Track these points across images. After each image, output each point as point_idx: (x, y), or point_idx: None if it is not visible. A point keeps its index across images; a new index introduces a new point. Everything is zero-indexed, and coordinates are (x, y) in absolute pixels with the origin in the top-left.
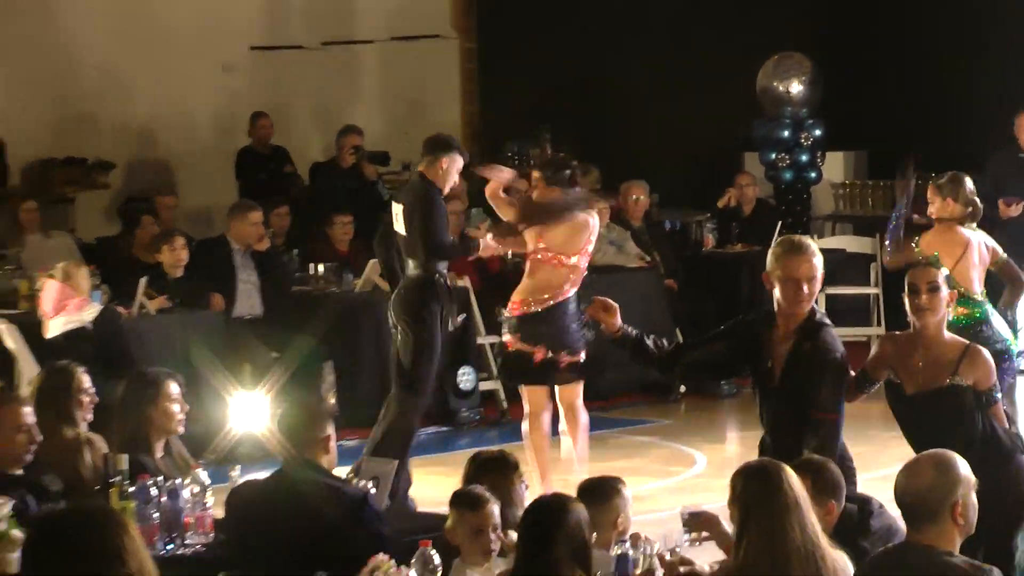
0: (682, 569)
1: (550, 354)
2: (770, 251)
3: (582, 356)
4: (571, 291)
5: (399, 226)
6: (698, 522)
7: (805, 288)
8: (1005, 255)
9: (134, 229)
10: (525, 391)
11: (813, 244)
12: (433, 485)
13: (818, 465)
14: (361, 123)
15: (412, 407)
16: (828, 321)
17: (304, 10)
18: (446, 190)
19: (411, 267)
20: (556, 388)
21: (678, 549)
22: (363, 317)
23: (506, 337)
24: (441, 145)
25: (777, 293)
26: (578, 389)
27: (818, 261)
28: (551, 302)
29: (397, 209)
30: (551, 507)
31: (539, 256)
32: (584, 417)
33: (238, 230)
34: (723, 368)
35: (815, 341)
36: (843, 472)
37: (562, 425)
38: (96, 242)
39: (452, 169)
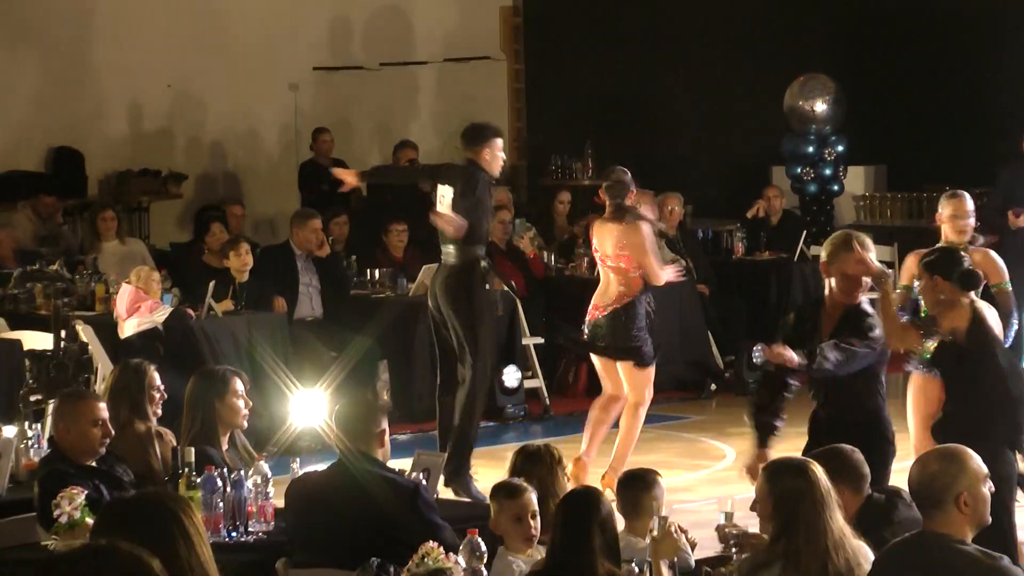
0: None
1: None
2: (827, 242)
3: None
4: None
5: (443, 208)
6: (741, 541)
7: (857, 282)
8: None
9: (205, 236)
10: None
11: (868, 240)
12: (481, 477)
13: (835, 453)
14: (416, 139)
15: (481, 384)
16: (872, 312)
17: (364, 33)
18: (496, 174)
19: (452, 253)
20: None
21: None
22: (416, 319)
23: None
24: (480, 134)
25: (832, 283)
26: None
27: (872, 256)
28: None
29: (444, 191)
30: (586, 498)
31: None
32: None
33: (299, 236)
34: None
35: (858, 323)
36: (882, 453)
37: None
38: (170, 248)
39: (496, 154)
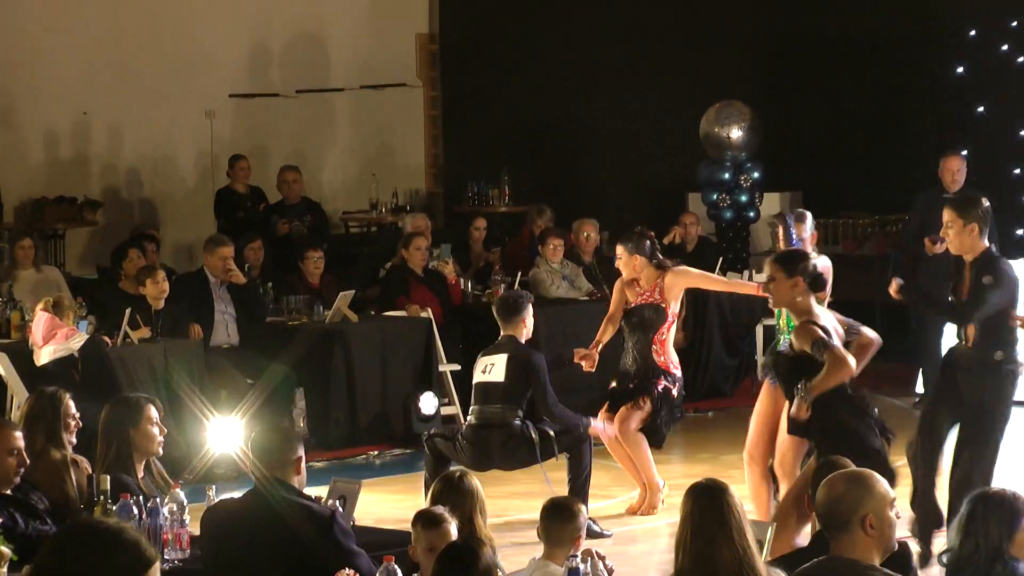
0: None
1: None
2: None
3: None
4: None
5: None
6: None
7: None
8: None
9: (123, 262)
10: None
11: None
12: (397, 504)
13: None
14: (333, 165)
15: None
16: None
17: (280, 60)
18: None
19: None
20: None
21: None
22: (333, 346)
23: None
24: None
25: None
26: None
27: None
28: None
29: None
30: (462, 551)
31: None
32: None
33: (210, 263)
34: None
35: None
36: None
37: None
38: (88, 275)
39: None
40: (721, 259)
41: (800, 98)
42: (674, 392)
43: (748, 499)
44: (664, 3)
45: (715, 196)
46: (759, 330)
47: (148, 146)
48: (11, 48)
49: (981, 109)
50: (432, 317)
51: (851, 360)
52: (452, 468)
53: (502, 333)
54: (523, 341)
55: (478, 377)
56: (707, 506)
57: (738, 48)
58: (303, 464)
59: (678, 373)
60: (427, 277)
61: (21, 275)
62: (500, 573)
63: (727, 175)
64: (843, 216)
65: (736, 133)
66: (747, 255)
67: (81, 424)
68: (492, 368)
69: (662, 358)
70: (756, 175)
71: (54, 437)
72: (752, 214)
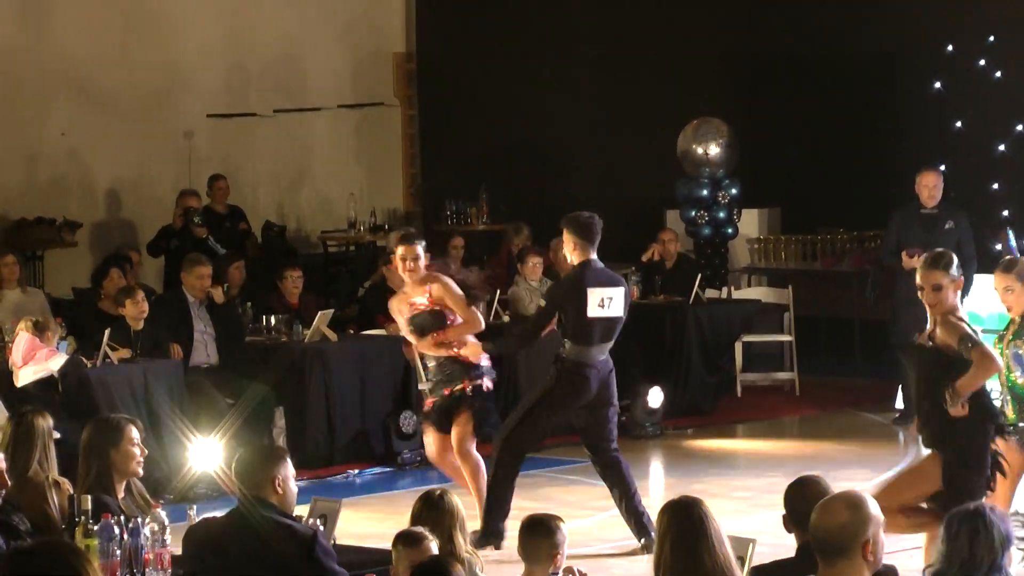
0: None
1: None
2: None
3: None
4: None
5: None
6: None
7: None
8: None
9: (103, 281)
10: None
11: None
12: (378, 522)
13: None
14: (311, 184)
15: None
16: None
17: (258, 81)
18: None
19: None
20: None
21: None
22: (312, 365)
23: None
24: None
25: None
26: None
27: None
28: None
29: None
30: (434, 569)
31: None
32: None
33: (187, 282)
34: None
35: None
36: None
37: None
38: (67, 296)
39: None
40: (700, 276)
41: (778, 115)
42: (486, 384)
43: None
44: (642, 21)
45: (693, 213)
46: (738, 347)
47: (126, 167)
48: None
49: (959, 124)
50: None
51: (998, 358)
52: (432, 487)
53: (591, 256)
54: None
55: (595, 312)
56: (684, 518)
57: (715, 65)
58: (288, 483)
59: (485, 361)
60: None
61: (6, 295)
62: None
63: (705, 192)
64: (821, 232)
65: (714, 150)
66: (725, 271)
67: (63, 445)
68: (611, 303)
69: (462, 351)
70: (734, 192)
71: (34, 458)
72: (730, 230)
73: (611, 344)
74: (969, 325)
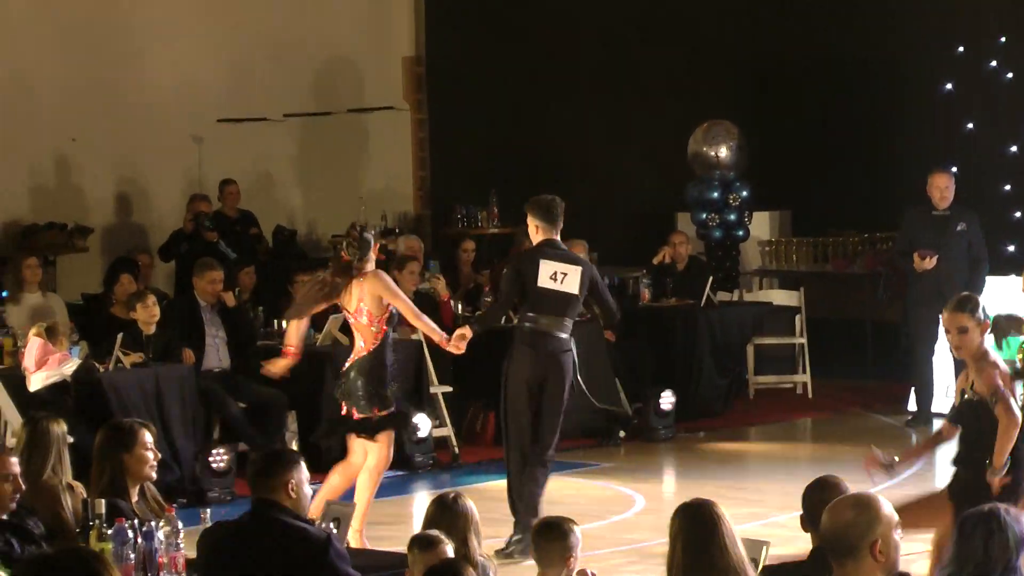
0: None
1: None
2: None
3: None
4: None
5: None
6: None
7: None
8: None
9: (114, 286)
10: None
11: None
12: (391, 526)
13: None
14: (321, 188)
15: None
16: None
17: (267, 85)
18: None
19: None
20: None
21: None
22: (324, 369)
23: None
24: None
25: None
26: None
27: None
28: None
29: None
30: (444, 572)
31: None
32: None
33: (199, 287)
34: None
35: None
36: None
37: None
38: (82, 300)
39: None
40: (711, 278)
41: (788, 117)
42: None
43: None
44: (651, 24)
45: (704, 215)
46: (749, 350)
47: (137, 171)
48: (3, 74)
49: (970, 126)
50: (423, 339)
51: (1018, 415)
52: (446, 490)
53: (554, 237)
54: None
55: (545, 284)
56: (697, 520)
57: (725, 68)
58: (301, 487)
59: None
60: (418, 299)
61: (25, 297)
62: None
63: (716, 194)
64: (832, 235)
65: (724, 152)
66: (737, 274)
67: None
68: (564, 278)
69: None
70: (745, 194)
71: (48, 463)
72: (741, 233)
73: (568, 321)
74: (1000, 369)
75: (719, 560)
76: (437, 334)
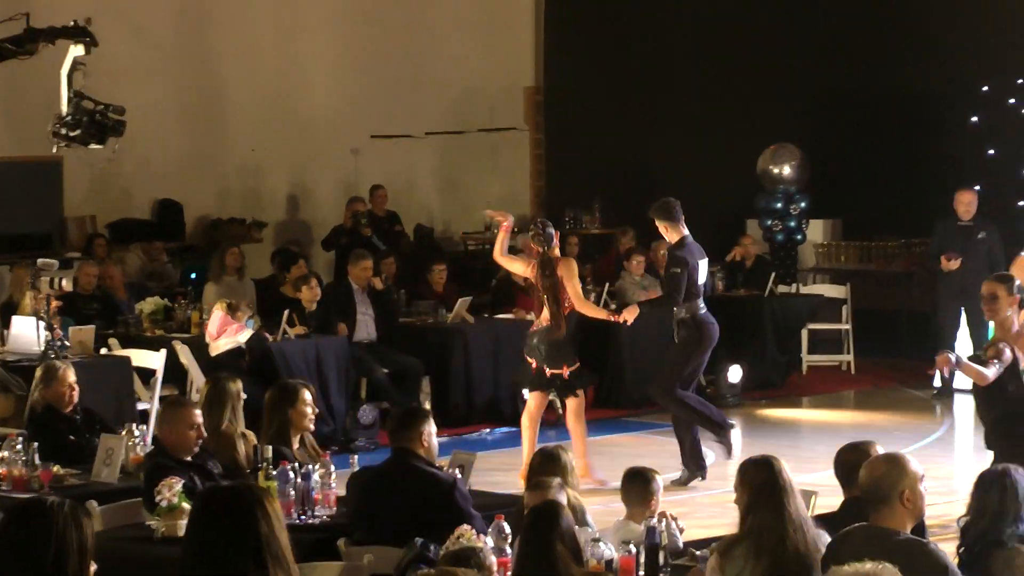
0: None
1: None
2: None
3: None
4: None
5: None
6: None
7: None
8: None
9: (285, 272)
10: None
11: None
12: (507, 472)
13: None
14: (454, 193)
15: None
16: None
17: (412, 108)
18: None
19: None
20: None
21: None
22: (454, 342)
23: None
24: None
25: None
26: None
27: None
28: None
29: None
30: (547, 513)
31: None
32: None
33: (353, 273)
34: None
35: None
36: None
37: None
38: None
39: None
40: (773, 274)
41: (842, 140)
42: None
43: None
44: (733, 59)
45: (769, 222)
46: (804, 333)
47: (304, 177)
48: (201, 94)
49: (992, 152)
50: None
51: (989, 377)
52: (547, 444)
53: (684, 232)
54: None
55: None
56: (763, 471)
57: (790, 96)
58: (433, 439)
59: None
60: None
61: (225, 280)
62: (590, 530)
63: (779, 204)
64: (876, 239)
65: (787, 170)
66: (795, 271)
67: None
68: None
69: None
70: (804, 204)
71: (227, 414)
72: (799, 237)
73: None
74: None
75: (787, 506)
76: (603, 312)
